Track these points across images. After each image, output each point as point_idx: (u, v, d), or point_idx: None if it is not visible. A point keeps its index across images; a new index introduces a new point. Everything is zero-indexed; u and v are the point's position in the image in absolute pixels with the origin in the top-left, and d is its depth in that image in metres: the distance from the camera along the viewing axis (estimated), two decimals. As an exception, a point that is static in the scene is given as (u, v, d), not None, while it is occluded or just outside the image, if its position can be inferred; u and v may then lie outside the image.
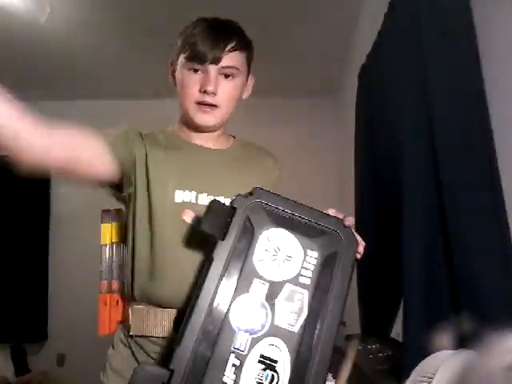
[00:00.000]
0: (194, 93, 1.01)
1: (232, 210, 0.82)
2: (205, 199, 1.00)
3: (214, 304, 0.75)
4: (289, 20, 2.51)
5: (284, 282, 0.77)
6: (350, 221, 0.88)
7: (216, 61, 0.99)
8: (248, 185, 0.98)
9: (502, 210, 1.00)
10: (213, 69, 1.00)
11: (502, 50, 1.07)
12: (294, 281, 0.77)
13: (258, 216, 0.82)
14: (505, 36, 1.06)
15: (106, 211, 1.13)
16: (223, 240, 0.79)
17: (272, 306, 0.76)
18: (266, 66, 3.12)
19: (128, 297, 1.03)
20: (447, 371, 0.76)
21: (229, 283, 0.77)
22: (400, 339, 1.35)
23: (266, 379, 0.71)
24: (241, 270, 0.77)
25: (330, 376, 1.11)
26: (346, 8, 2.36)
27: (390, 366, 1.29)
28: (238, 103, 1.07)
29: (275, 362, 0.72)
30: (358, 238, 0.87)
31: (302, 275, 0.78)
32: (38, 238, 3.53)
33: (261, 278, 0.77)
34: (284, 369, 0.72)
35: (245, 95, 1.11)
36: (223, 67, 1.00)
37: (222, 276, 0.77)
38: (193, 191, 1.00)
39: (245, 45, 1.05)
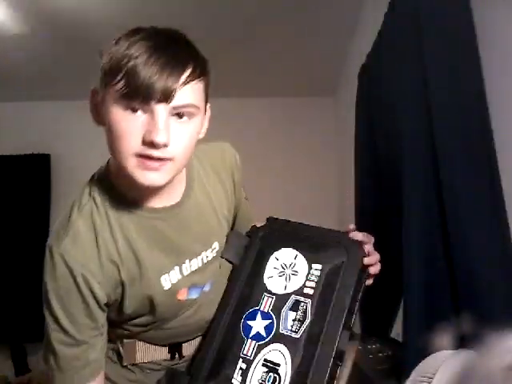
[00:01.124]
0: (134, 143, 0.70)
1: (248, 238, 0.94)
2: (189, 267, 0.88)
3: (230, 318, 0.87)
4: (289, 20, 2.50)
5: (290, 294, 0.85)
6: (358, 236, 0.90)
7: (167, 98, 0.68)
8: (221, 213, 0.94)
9: (502, 210, 1.00)
10: (162, 109, 0.69)
11: (502, 50, 1.07)
12: (299, 291, 0.85)
13: (270, 241, 0.93)
14: (505, 36, 1.06)
15: None
16: (239, 264, 0.92)
17: (278, 315, 0.84)
18: (266, 66, 3.13)
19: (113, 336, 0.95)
20: (447, 371, 0.76)
21: (242, 300, 0.88)
22: (400, 339, 1.35)
23: (269, 381, 0.78)
24: (253, 288, 0.88)
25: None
26: (347, 8, 2.36)
27: (389, 366, 1.30)
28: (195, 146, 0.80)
29: (278, 365, 0.79)
30: (371, 250, 0.91)
31: (306, 286, 0.85)
32: (38, 238, 3.52)
33: (269, 292, 0.87)
34: (286, 371, 0.78)
35: (201, 134, 0.81)
36: (177, 107, 0.71)
37: (237, 294, 0.88)
38: (175, 267, 0.86)
39: (203, 70, 0.74)
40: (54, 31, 2.63)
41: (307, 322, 0.81)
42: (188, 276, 0.88)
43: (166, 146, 0.70)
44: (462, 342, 0.91)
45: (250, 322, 0.84)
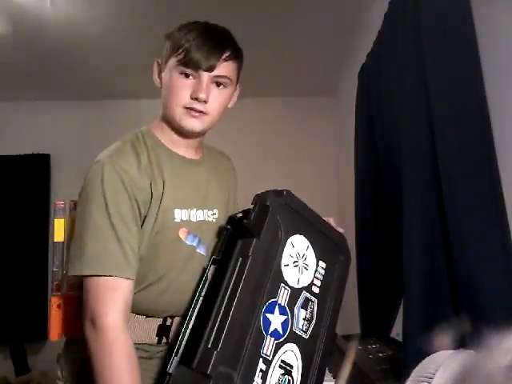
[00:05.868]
0: (183, 97, 0.97)
1: (265, 207, 0.82)
2: (195, 215, 1.02)
3: (247, 303, 0.75)
4: (289, 20, 2.51)
5: (301, 290, 0.81)
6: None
7: (211, 69, 0.96)
8: (223, 193, 1.12)
9: (502, 210, 1.00)
10: (206, 76, 0.96)
11: (502, 49, 1.07)
12: (308, 289, 0.82)
13: (287, 219, 0.84)
14: (505, 36, 1.06)
15: (60, 204, 1.05)
16: (259, 239, 0.78)
17: (292, 312, 0.79)
18: (266, 66, 3.13)
19: None
20: (447, 371, 0.76)
21: (259, 286, 0.77)
22: (400, 339, 1.35)
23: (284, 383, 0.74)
24: (270, 272, 0.78)
25: (330, 376, 1.11)
26: (347, 8, 2.36)
27: (389, 366, 1.29)
28: (225, 113, 1.05)
29: (291, 367, 0.75)
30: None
31: (313, 284, 0.83)
32: (38, 238, 3.52)
33: (285, 283, 0.80)
34: (297, 373, 0.75)
35: (230, 104, 1.07)
36: (216, 76, 0.97)
37: (254, 275, 0.76)
38: (188, 208, 1.01)
39: (238, 54, 1.02)
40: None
41: (313, 322, 0.79)
42: (192, 221, 1.01)
43: (205, 102, 0.96)
44: (462, 342, 0.91)
45: (269, 316, 0.77)
